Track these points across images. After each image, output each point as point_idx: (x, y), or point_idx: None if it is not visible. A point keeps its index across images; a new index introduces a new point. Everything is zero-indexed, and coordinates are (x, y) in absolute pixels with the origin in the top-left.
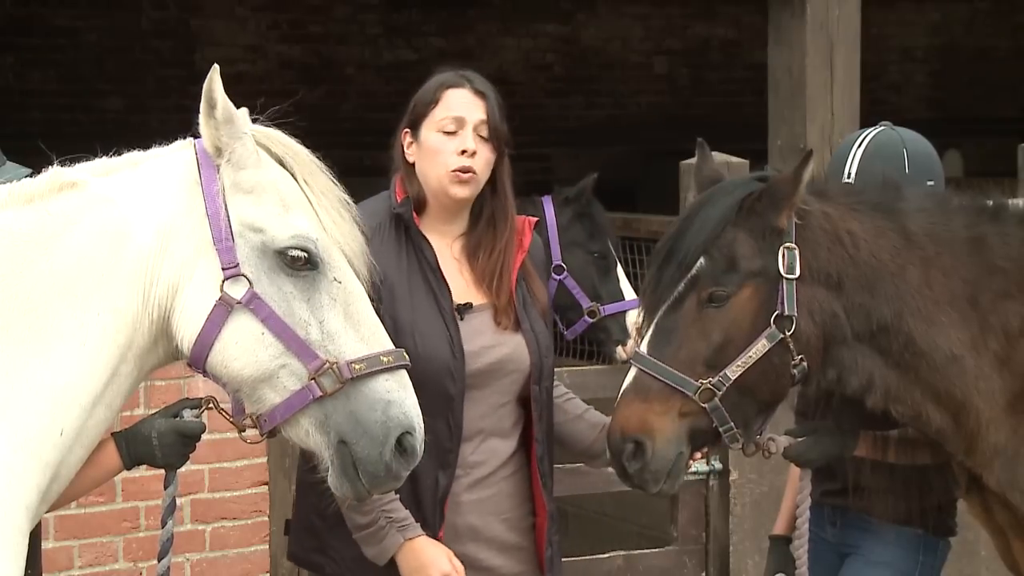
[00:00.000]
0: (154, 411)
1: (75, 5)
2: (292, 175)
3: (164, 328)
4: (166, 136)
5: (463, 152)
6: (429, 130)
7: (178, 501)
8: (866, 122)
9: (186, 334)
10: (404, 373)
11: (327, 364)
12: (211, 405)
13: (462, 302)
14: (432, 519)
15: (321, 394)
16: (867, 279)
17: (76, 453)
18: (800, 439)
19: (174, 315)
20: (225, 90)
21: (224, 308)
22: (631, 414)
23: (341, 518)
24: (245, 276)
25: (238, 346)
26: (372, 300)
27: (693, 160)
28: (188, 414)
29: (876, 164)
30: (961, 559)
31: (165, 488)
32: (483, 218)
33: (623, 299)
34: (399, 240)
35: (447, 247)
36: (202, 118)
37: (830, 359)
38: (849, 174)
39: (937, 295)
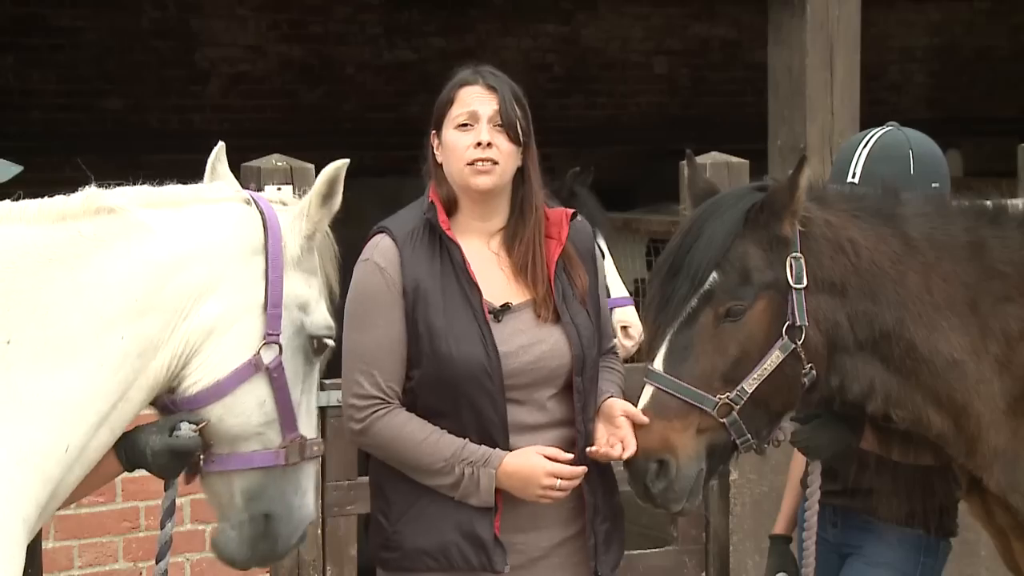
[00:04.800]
0: None
1: (75, 5)
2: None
3: (182, 363)
4: (166, 136)
5: (478, 144)
6: (448, 129)
7: (178, 502)
8: (866, 122)
9: (203, 376)
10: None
11: (298, 439)
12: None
13: (500, 303)
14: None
15: (283, 463)
16: (869, 287)
17: (75, 472)
18: (806, 425)
19: (199, 355)
20: (225, 90)
21: (251, 368)
22: (652, 433)
23: (401, 514)
24: (280, 345)
25: (242, 405)
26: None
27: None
28: (186, 427)
29: (881, 165)
30: (961, 559)
31: (165, 491)
32: (515, 208)
33: (607, 296)
34: (432, 245)
35: (485, 243)
36: (315, 203)
37: (832, 366)
38: (853, 175)
39: (937, 300)
